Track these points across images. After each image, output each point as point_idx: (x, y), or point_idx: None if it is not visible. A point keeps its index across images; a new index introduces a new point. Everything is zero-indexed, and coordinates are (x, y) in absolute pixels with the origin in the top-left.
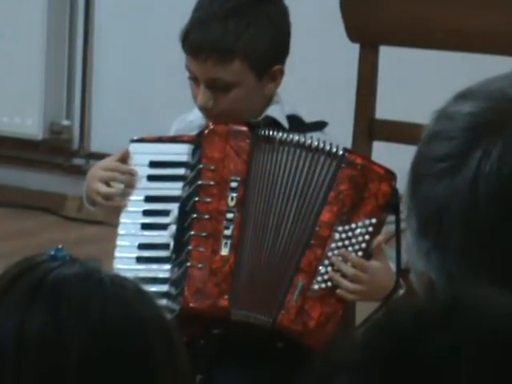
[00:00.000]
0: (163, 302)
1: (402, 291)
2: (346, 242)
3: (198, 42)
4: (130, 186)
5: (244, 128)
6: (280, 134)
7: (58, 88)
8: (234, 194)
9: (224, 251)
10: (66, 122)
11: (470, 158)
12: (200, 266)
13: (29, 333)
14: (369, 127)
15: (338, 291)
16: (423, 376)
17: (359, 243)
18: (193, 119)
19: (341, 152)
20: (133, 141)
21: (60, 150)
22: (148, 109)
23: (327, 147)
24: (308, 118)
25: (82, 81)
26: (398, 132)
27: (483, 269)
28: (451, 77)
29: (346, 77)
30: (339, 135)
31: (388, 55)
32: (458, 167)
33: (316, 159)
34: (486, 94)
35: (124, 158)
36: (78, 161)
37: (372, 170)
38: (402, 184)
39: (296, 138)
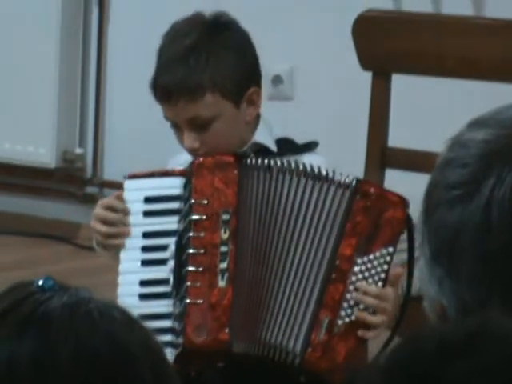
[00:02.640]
0: (167, 337)
1: None
2: (366, 274)
3: (166, 86)
4: (125, 224)
5: (231, 159)
6: (274, 161)
7: (71, 116)
8: (227, 226)
9: (221, 284)
10: (79, 151)
11: (483, 185)
12: (199, 301)
13: (18, 366)
14: (381, 155)
15: (360, 333)
16: None
17: (378, 274)
18: (183, 161)
19: (354, 183)
20: (126, 177)
21: (73, 179)
22: (161, 137)
23: (337, 177)
24: (320, 145)
25: (95, 109)
26: (411, 160)
27: (496, 296)
28: (463, 105)
29: (359, 105)
30: (351, 163)
31: (400, 83)
32: (472, 194)
33: (326, 189)
34: (499, 122)
35: (121, 197)
36: (91, 189)
37: (386, 198)
38: (415, 212)
39: (298, 166)
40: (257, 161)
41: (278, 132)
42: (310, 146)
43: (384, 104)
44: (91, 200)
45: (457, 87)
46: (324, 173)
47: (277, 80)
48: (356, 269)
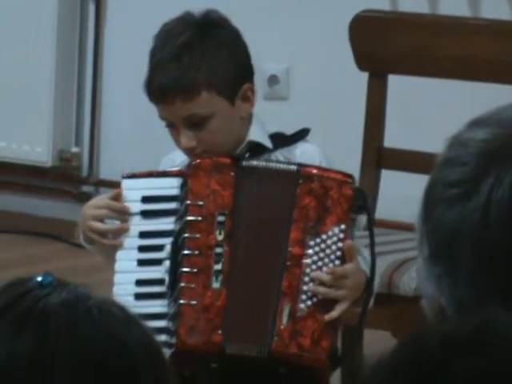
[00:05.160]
0: (162, 337)
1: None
2: (321, 255)
3: (161, 86)
4: (123, 221)
5: (228, 160)
6: (264, 162)
7: (67, 115)
8: (222, 228)
9: (216, 286)
10: (75, 149)
11: (482, 184)
12: (192, 302)
13: (17, 363)
14: (377, 155)
15: (326, 316)
16: None
17: (334, 252)
18: (179, 162)
19: (295, 168)
20: (124, 177)
21: (69, 177)
22: (157, 136)
23: (284, 166)
24: (316, 145)
25: (92, 108)
26: (406, 160)
27: (494, 294)
28: (459, 106)
29: (355, 105)
30: (347, 163)
31: (397, 83)
32: (470, 193)
33: (280, 181)
34: (499, 121)
35: (117, 197)
36: (87, 188)
37: (329, 177)
38: (411, 212)
39: (266, 164)
40: (248, 162)
41: (271, 128)
42: (301, 135)
43: (380, 104)
44: (87, 199)
45: (453, 88)
46: (276, 166)
47: (273, 80)
48: (310, 251)
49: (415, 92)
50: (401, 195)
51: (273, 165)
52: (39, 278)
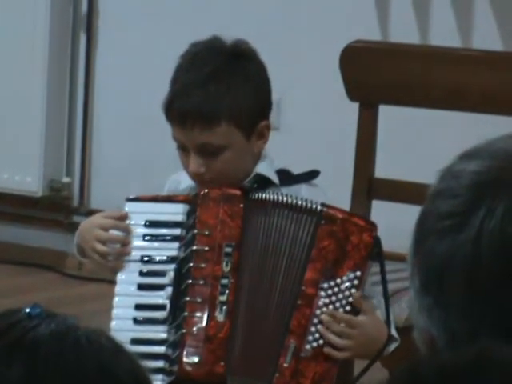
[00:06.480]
0: (160, 363)
1: (395, 344)
2: (333, 298)
3: (183, 110)
4: (125, 245)
5: (238, 192)
6: (272, 195)
7: (58, 145)
8: (229, 260)
9: (219, 317)
10: (65, 179)
11: (474, 216)
12: (195, 332)
13: None
14: (368, 186)
15: (326, 350)
16: None
17: (346, 298)
18: (184, 187)
19: (319, 208)
20: (128, 200)
21: (60, 207)
22: (148, 166)
23: (308, 204)
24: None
25: (82, 138)
26: (397, 191)
27: (485, 326)
28: (450, 136)
29: (346, 135)
30: (338, 194)
31: (388, 114)
32: (462, 225)
33: (300, 218)
34: (491, 154)
35: (123, 218)
36: (78, 218)
37: (352, 222)
38: (403, 242)
39: (285, 199)
40: (257, 195)
41: (278, 164)
42: (308, 176)
43: (371, 135)
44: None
45: (444, 118)
46: (299, 202)
47: None
48: (322, 293)
49: (406, 122)
50: (392, 226)
51: (294, 200)
52: (28, 310)
